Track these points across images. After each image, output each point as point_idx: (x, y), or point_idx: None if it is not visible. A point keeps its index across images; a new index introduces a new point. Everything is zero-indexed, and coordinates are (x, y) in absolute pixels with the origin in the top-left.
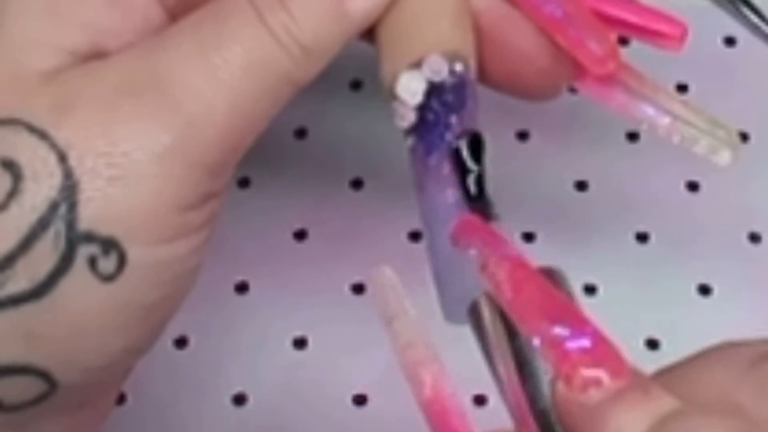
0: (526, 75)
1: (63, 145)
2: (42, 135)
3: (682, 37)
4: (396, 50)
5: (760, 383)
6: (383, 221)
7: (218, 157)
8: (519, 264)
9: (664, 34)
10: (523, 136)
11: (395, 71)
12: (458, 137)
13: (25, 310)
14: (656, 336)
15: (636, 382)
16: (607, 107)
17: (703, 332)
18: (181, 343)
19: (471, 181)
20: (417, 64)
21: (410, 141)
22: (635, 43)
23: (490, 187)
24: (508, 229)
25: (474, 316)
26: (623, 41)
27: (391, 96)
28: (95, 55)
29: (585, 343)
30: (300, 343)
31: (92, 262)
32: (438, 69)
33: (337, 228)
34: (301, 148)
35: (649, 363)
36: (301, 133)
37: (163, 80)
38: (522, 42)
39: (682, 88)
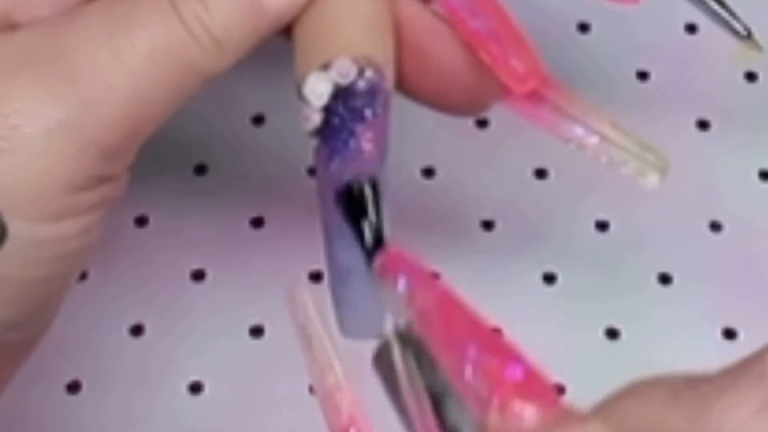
0: (451, 91)
1: None
2: None
3: None
4: (307, 51)
5: (690, 408)
6: None
7: (113, 139)
8: (448, 296)
9: None
10: (482, 123)
11: (304, 72)
12: (353, 180)
13: None
14: (616, 325)
15: (571, 411)
16: (535, 126)
17: (663, 321)
18: (136, 331)
19: (367, 230)
20: (326, 67)
21: (314, 144)
22: (595, 31)
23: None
24: (467, 216)
25: (383, 355)
26: (583, 27)
27: (299, 97)
28: (4, 27)
29: (519, 373)
30: (257, 332)
31: None
32: (346, 72)
33: (294, 216)
34: (259, 136)
35: (610, 352)
36: (258, 120)
37: (65, 57)
38: (448, 57)
39: (643, 75)
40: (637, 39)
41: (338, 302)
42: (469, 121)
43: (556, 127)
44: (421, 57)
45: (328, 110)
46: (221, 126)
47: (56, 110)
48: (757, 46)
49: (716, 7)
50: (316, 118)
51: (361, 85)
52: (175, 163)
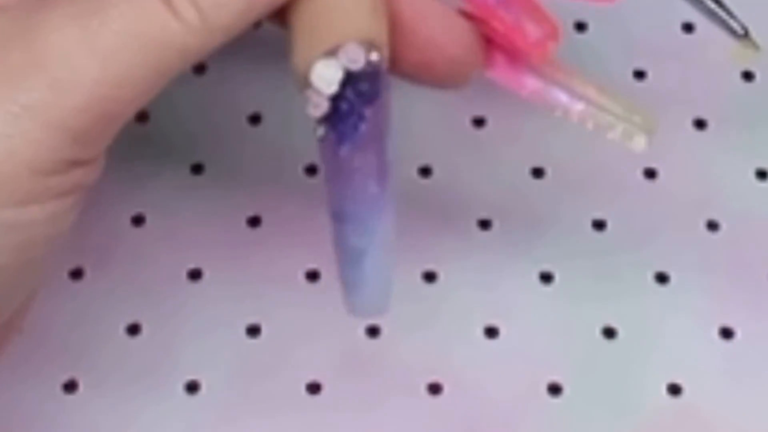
0: (435, 64)
1: None
2: None
3: None
4: (311, 37)
5: None
6: None
7: (83, 122)
8: None
9: None
10: (479, 122)
11: (310, 58)
12: None
13: None
14: (613, 325)
15: None
16: (519, 95)
17: (660, 321)
18: (133, 330)
19: None
20: (332, 52)
21: (321, 131)
22: (592, 30)
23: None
24: (464, 215)
25: None
26: (580, 26)
27: (305, 84)
28: None
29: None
30: (253, 331)
31: None
32: (355, 57)
33: (291, 215)
34: (256, 134)
35: (606, 352)
36: (255, 119)
37: (33, 39)
38: (431, 30)
39: (639, 74)
40: (634, 38)
41: (350, 285)
42: (466, 120)
43: (540, 94)
44: (406, 33)
45: (336, 96)
46: (218, 125)
47: (21, 94)
48: (755, 46)
49: (713, 6)
50: (325, 106)
51: (368, 68)
52: (172, 162)
